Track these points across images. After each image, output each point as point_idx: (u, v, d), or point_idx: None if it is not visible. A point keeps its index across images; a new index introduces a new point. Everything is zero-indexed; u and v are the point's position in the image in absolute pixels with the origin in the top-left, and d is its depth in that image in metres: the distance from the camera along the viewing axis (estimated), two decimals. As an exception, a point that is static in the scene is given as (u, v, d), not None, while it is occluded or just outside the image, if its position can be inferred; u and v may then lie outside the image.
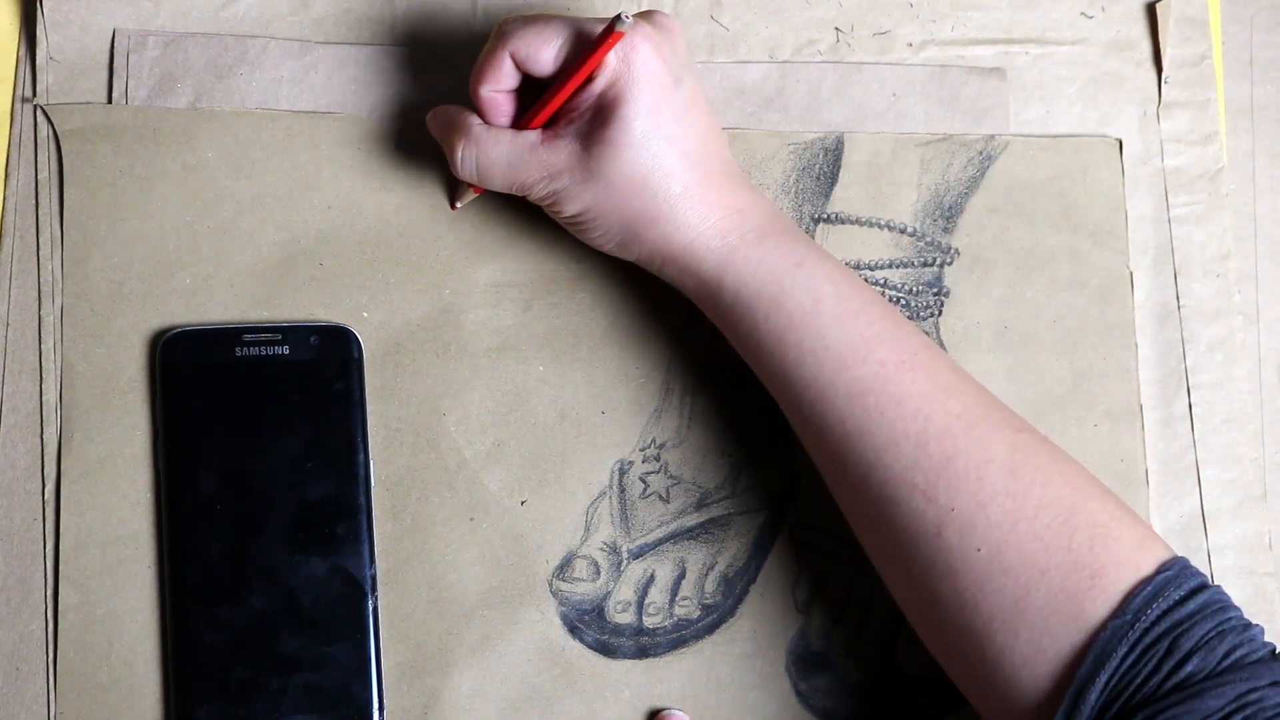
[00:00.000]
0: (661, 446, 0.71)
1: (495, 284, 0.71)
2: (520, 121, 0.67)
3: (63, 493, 0.66)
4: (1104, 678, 0.58)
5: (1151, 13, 0.78)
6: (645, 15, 0.65)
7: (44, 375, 0.67)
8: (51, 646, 0.65)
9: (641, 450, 0.71)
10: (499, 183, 0.66)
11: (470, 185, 0.69)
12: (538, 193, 0.66)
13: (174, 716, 0.65)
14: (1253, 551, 0.74)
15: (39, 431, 0.67)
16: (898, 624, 0.71)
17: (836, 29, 0.75)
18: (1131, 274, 0.75)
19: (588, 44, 0.63)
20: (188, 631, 0.65)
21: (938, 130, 0.75)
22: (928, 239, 0.74)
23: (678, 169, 0.64)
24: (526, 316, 0.71)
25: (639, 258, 0.67)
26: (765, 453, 0.72)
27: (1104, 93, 0.77)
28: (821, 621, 0.71)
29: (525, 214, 0.71)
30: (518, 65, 0.65)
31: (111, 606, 0.66)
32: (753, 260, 0.65)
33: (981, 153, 0.75)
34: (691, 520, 0.71)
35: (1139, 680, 0.57)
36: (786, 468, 0.72)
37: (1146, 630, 0.58)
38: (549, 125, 0.66)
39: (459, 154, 0.66)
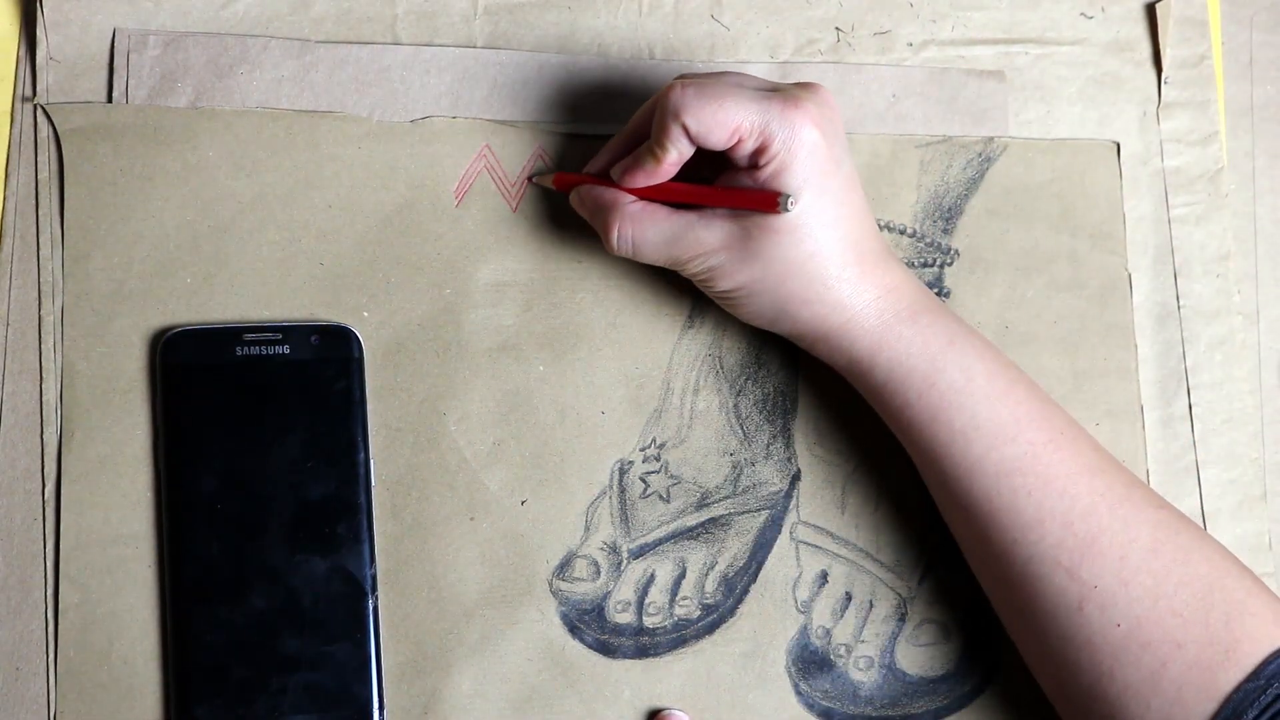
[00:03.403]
0: (662, 446, 0.71)
1: (495, 284, 0.71)
2: (664, 192, 0.66)
3: (63, 493, 0.66)
4: None
5: (1151, 13, 0.78)
6: (808, 90, 0.64)
7: (44, 375, 0.67)
8: (51, 646, 0.65)
9: (641, 450, 0.71)
10: (655, 257, 0.67)
11: (550, 182, 0.71)
12: (692, 269, 0.66)
13: (174, 716, 0.65)
14: (1253, 551, 0.75)
15: (39, 431, 0.67)
16: (898, 624, 0.71)
17: (837, 29, 0.75)
18: (1130, 276, 0.75)
19: (744, 189, 0.64)
20: (188, 631, 0.65)
21: (937, 132, 0.75)
22: (927, 240, 0.74)
23: (836, 252, 0.64)
24: (526, 316, 0.71)
25: (790, 333, 0.67)
26: (765, 453, 0.72)
27: (1104, 93, 0.77)
28: (821, 621, 0.71)
29: (526, 214, 0.71)
30: (690, 139, 0.64)
31: (112, 606, 0.66)
32: (906, 338, 0.65)
33: (980, 154, 0.75)
34: (691, 520, 0.71)
35: None
36: (786, 468, 0.72)
37: (1279, 696, 0.59)
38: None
39: (615, 232, 0.67)
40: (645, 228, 0.66)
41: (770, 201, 0.62)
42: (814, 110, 0.63)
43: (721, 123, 0.63)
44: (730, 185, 0.65)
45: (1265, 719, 0.58)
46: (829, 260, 0.64)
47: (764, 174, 0.63)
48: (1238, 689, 0.59)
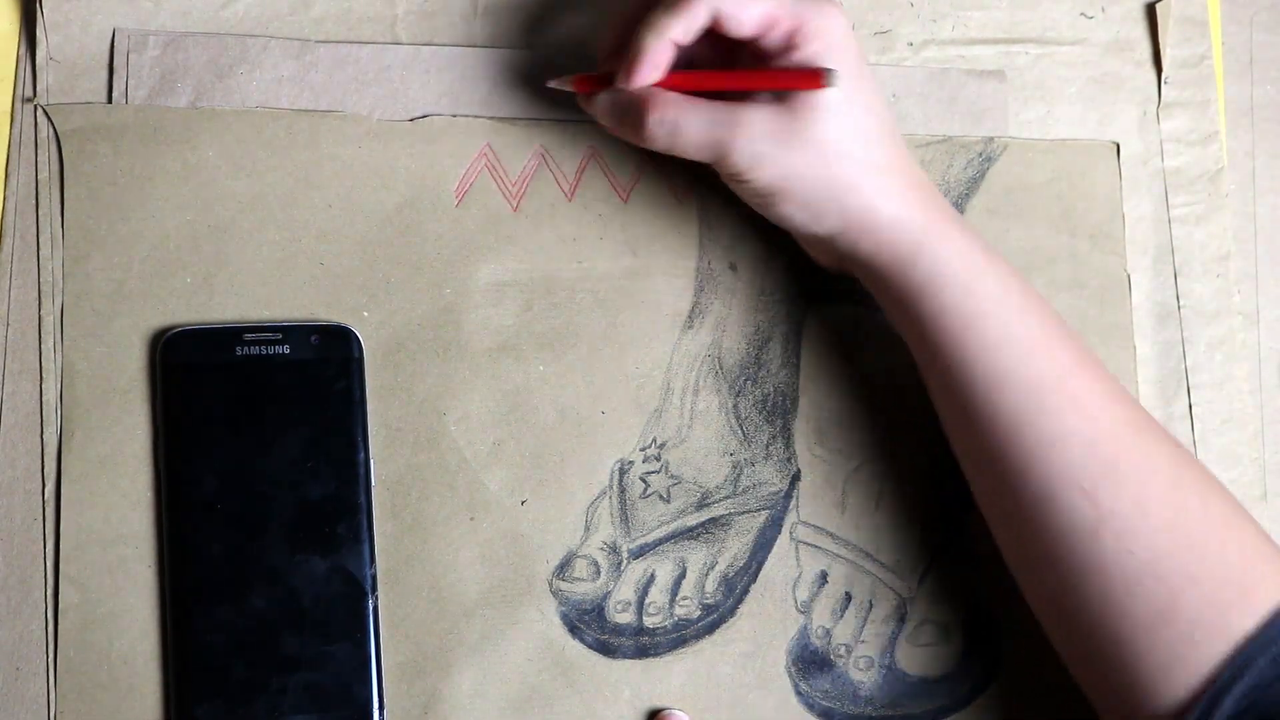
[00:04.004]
0: (662, 446, 0.71)
1: (495, 284, 0.71)
2: (677, 84, 0.64)
3: (63, 492, 0.66)
4: (1241, 687, 0.57)
5: (1151, 13, 0.78)
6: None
7: (44, 375, 0.67)
8: (51, 646, 0.65)
9: (641, 450, 0.71)
10: (695, 145, 0.64)
11: (570, 86, 0.68)
12: (735, 157, 0.63)
13: (174, 716, 0.65)
14: (1253, 551, 0.74)
15: (39, 431, 0.67)
16: (898, 624, 0.71)
17: (837, 29, 0.75)
18: (1130, 276, 0.75)
19: (785, 68, 0.63)
20: (188, 631, 0.65)
21: (937, 132, 0.75)
22: (928, 239, 0.74)
23: (883, 138, 0.63)
24: (526, 316, 0.71)
25: (834, 227, 0.65)
26: (765, 453, 0.72)
27: (1104, 93, 0.77)
28: (821, 621, 0.71)
29: (526, 214, 0.71)
30: (712, 22, 0.62)
31: (112, 606, 0.66)
32: (951, 238, 0.64)
33: (980, 154, 0.75)
34: (691, 520, 0.71)
35: (1277, 693, 0.57)
36: (786, 468, 0.72)
37: None
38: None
39: (650, 119, 0.64)
40: (686, 111, 0.63)
41: (814, 79, 0.61)
42: (839, 13, 0.63)
43: (752, 1, 0.61)
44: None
45: (1277, 669, 0.57)
46: (876, 144, 0.63)
47: (800, 55, 0.62)
48: (1252, 637, 0.58)
